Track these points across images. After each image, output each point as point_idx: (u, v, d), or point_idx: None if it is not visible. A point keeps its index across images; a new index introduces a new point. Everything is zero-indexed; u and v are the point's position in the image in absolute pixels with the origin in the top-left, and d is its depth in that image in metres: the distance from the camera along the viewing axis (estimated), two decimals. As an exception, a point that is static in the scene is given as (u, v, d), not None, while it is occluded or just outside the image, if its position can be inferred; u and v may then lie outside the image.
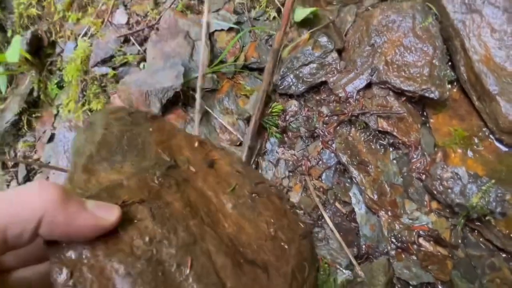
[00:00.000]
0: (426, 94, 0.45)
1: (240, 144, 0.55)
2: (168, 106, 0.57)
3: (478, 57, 0.42)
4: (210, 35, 0.64)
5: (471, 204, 0.35)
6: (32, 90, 0.80)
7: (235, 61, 0.61)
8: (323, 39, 0.55)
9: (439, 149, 0.43)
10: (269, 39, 0.65)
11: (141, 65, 0.62)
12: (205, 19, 0.46)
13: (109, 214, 0.20)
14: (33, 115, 0.79)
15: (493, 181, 0.35)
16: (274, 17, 0.66)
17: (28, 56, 0.72)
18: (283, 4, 0.63)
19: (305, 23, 0.59)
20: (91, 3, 0.74)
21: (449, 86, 0.47)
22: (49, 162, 0.73)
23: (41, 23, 0.77)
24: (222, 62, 0.60)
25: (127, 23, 0.69)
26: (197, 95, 0.48)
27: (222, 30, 0.64)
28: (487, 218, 0.34)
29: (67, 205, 0.19)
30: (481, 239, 0.38)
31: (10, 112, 0.78)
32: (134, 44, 0.65)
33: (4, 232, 0.18)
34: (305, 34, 0.58)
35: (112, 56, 0.65)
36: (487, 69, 0.41)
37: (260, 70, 0.61)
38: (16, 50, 0.59)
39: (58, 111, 0.70)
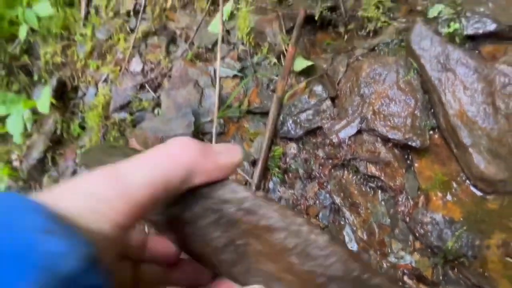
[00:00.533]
0: (409, 143, 0.50)
1: (246, 184, 0.61)
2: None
3: (453, 112, 0.48)
4: (217, 82, 0.71)
5: (447, 247, 0.40)
6: (55, 130, 0.88)
7: (239, 106, 0.68)
8: (318, 88, 0.61)
9: (422, 193, 0.49)
10: (270, 83, 0.71)
11: (156, 111, 0.69)
12: (217, 85, 0.53)
13: (234, 154, 0.22)
14: (57, 152, 0.87)
15: (465, 227, 0.40)
16: (275, 63, 0.72)
17: (53, 101, 0.80)
18: (282, 51, 0.70)
19: (303, 72, 0.66)
20: (109, 52, 0.82)
21: (431, 132, 0.53)
22: (72, 196, 0.80)
23: (65, 69, 0.86)
24: (228, 106, 0.67)
25: (142, 70, 0.77)
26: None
27: (227, 76, 0.71)
28: (461, 259, 0.39)
29: (206, 152, 0.20)
30: (460, 276, 0.43)
31: (37, 150, 0.86)
32: (149, 91, 0.72)
33: (167, 183, 0.19)
34: (302, 83, 0.64)
35: (129, 102, 0.72)
36: (461, 122, 0.47)
37: (262, 114, 0.68)
38: (46, 101, 0.67)
39: (81, 151, 0.77)
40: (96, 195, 0.17)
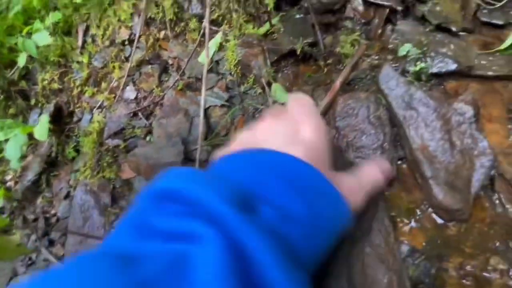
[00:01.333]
0: (378, 174, 0.55)
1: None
2: (170, 175, 0.68)
3: (417, 146, 0.53)
4: (205, 110, 0.76)
5: (409, 274, 0.45)
6: (51, 153, 0.91)
7: (226, 134, 0.72)
8: (299, 119, 0.66)
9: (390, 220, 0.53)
10: (256, 112, 0.77)
11: (148, 138, 0.73)
12: (201, 114, 0.58)
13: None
14: (51, 174, 0.90)
15: (423, 256, 0.45)
16: (260, 93, 0.78)
17: (50, 126, 0.84)
18: (267, 83, 0.76)
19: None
20: (105, 79, 0.87)
21: (400, 162, 0.58)
22: (66, 217, 0.83)
23: (61, 95, 0.90)
24: (216, 134, 0.72)
25: (136, 98, 0.81)
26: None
27: (215, 105, 0.76)
28: (421, 286, 0.44)
29: None
30: (423, 298, 0.48)
31: (32, 172, 0.89)
32: (141, 119, 0.76)
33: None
34: (284, 114, 0.69)
35: (123, 129, 0.76)
36: (423, 156, 0.52)
37: (248, 141, 0.72)
38: (44, 129, 0.71)
39: (75, 175, 0.81)
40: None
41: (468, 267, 0.47)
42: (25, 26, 0.90)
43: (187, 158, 0.69)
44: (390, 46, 0.72)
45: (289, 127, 0.32)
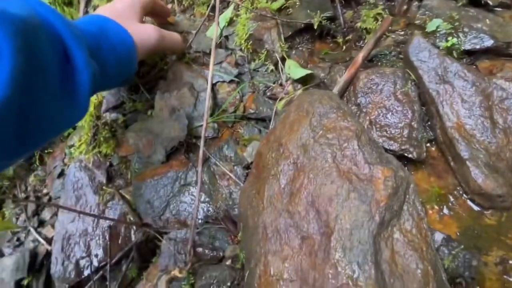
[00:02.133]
0: (406, 154, 0.49)
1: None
2: (171, 152, 0.62)
3: (451, 124, 0.47)
4: (213, 86, 0.70)
5: (444, 266, 0.39)
6: (46, 128, 0.86)
7: (234, 111, 0.66)
8: (315, 96, 0.60)
9: (418, 206, 0.47)
10: (267, 90, 0.71)
11: (149, 112, 0.67)
12: (209, 85, 0.52)
13: None
14: (45, 151, 0.84)
15: (462, 246, 0.39)
16: (272, 70, 0.72)
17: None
18: (281, 59, 0.70)
19: (299, 80, 0.65)
20: (106, 52, 0.81)
21: (428, 145, 0.52)
22: (59, 197, 0.77)
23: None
24: (223, 111, 0.66)
25: (138, 72, 0.75)
26: (201, 146, 0.52)
27: (223, 81, 0.70)
28: (458, 280, 0.38)
29: None
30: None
31: (24, 148, 0.84)
32: (143, 92, 0.71)
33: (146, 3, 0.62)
34: (299, 90, 0.64)
35: (122, 103, 0.71)
36: (458, 135, 0.46)
37: (257, 120, 0.66)
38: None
39: (70, 151, 0.75)
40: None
41: (511, 262, 0.41)
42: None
43: (190, 134, 0.63)
44: (417, 21, 0.66)
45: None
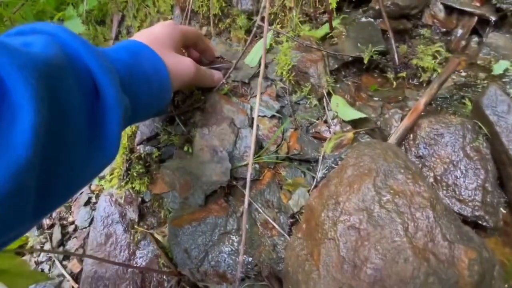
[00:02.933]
0: (479, 222, 0.44)
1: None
2: (210, 196, 0.58)
3: (535, 192, 0.42)
4: (253, 122, 0.66)
5: None
6: (73, 152, 0.83)
7: (276, 151, 0.62)
8: (368, 142, 0.56)
9: (494, 284, 0.42)
10: (310, 126, 0.66)
11: (185, 148, 0.63)
12: (255, 126, 0.48)
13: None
14: (72, 176, 0.81)
15: None
16: (315, 105, 0.67)
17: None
18: (328, 94, 0.65)
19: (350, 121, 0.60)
20: (138, 76, 0.78)
21: (502, 210, 0.47)
22: (85, 227, 0.74)
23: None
24: (265, 150, 0.62)
25: (173, 101, 0.72)
26: (246, 198, 0.48)
27: (264, 116, 0.66)
28: None
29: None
30: None
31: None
32: (178, 124, 0.67)
33: (187, 34, 0.59)
34: (349, 133, 0.59)
35: (157, 134, 0.67)
36: (545, 207, 0.40)
37: (301, 161, 0.62)
38: None
39: (100, 181, 0.72)
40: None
41: None
42: (56, 12, 0.82)
43: (230, 176, 0.58)
44: (480, 61, 0.61)
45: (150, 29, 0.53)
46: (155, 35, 0.51)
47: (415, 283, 0.36)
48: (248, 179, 0.48)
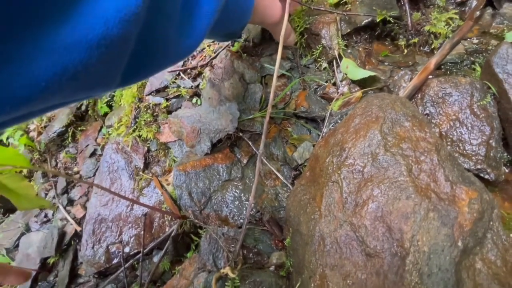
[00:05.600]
0: (481, 175, 0.45)
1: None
2: (216, 144, 0.59)
3: (539, 147, 0.42)
4: (262, 78, 0.66)
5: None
6: (81, 105, 0.84)
7: (284, 107, 0.63)
8: (376, 100, 0.56)
9: (491, 233, 0.43)
10: (318, 88, 0.67)
11: (194, 100, 0.64)
12: (274, 79, 0.48)
13: None
14: (79, 128, 0.82)
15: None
16: (325, 68, 0.68)
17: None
18: (338, 56, 0.65)
19: (358, 81, 0.61)
20: (150, 32, 0.78)
21: (504, 168, 0.47)
22: (89, 177, 0.75)
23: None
24: (272, 106, 0.62)
25: (183, 56, 0.72)
26: (262, 138, 0.49)
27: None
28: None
29: None
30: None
31: (59, 123, 0.82)
32: (188, 79, 0.68)
33: None
34: (357, 92, 0.59)
35: (166, 87, 0.68)
36: (548, 160, 0.41)
37: (308, 119, 0.63)
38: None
39: (108, 131, 0.73)
40: None
41: None
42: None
43: (237, 128, 0.59)
44: (492, 30, 0.61)
45: None
46: None
47: (415, 218, 0.37)
48: (266, 119, 0.49)
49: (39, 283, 0.64)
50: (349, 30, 0.68)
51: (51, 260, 0.65)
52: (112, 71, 0.27)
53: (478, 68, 0.55)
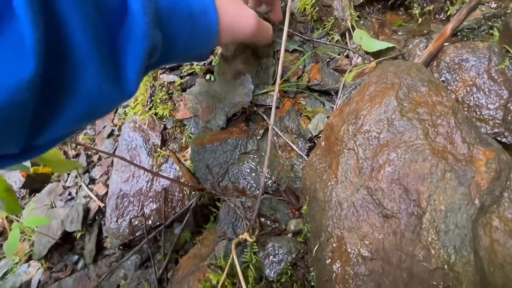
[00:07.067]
0: (498, 138, 0.45)
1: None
2: (231, 119, 0.60)
3: (559, 108, 0.42)
4: (274, 53, 0.66)
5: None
6: (97, 87, 0.85)
7: (297, 81, 0.63)
8: (390, 70, 0.56)
9: (508, 195, 0.43)
10: (331, 61, 0.66)
11: (207, 76, 0.65)
12: (282, 53, 0.49)
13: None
14: (95, 110, 0.84)
15: None
16: (337, 40, 0.67)
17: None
18: (351, 27, 0.65)
19: (372, 52, 0.60)
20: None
21: (522, 132, 0.47)
22: (109, 157, 0.77)
23: None
24: (285, 80, 0.63)
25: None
26: (273, 106, 0.50)
27: (286, 50, 0.66)
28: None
29: None
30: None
31: (76, 106, 0.84)
32: (201, 56, 0.68)
33: None
34: (372, 63, 0.59)
35: (179, 65, 0.68)
36: None
37: (321, 92, 0.63)
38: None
39: (124, 111, 0.75)
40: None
41: None
42: None
43: (251, 102, 0.60)
44: (512, -6, 0.59)
45: None
46: None
47: (432, 179, 0.37)
48: (276, 91, 0.49)
49: (68, 255, 0.67)
50: (361, 0, 0.67)
51: (77, 234, 0.68)
52: (7, 137, 0.24)
53: (496, 33, 0.54)
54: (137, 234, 0.61)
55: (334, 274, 0.39)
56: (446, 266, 0.33)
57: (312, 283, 0.44)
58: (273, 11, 0.57)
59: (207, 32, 0.39)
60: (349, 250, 0.39)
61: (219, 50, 0.68)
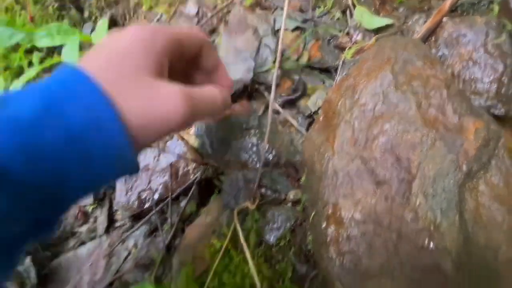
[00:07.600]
0: (491, 110, 0.46)
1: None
2: (234, 96, 0.62)
3: (551, 80, 0.43)
4: (276, 32, 0.67)
5: None
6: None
7: (298, 59, 0.64)
8: (389, 46, 0.57)
9: (498, 165, 0.45)
10: (331, 39, 0.67)
11: (210, 56, 0.66)
12: (282, 29, 0.50)
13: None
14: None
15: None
16: (338, 18, 0.68)
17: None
18: (352, 4, 0.65)
19: (373, 29, 0.61)
20: (164, -8, 0.79)
21: (516, 104, 0.48)
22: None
23: (116, 7, 0.84)
24: (286, 58, 0.64)
25: (197, 13, 0.74)
26: (273, 84, 0.52)
27: (287, 29, 0.67)
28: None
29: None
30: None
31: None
32: (203, 35, 0.69)
33: (181, 41, 0.32)
34: (371, 40, 0.60)
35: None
36: (559, 92, 0.42)
37: (321, 70, 0.64)
38: (103, 34, 0.66)
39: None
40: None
41: None
42: None
43: (253, 80, 0.62)
44: (514, -32, 0.58)
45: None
46: (115, 50, 0.27)
47: (422, 147, 0.39)
48: (275, 73, 0.51)
49: (81, 227, 0.72)
50: (362, -23, 0.67)
51: (89, 208, 0.73)
52: None
53: (496, 7, 0.54)
54: (145, 207, 0.65)
55: (329, 237, 0.42)
56: (432, 227, 0.36)
57: (309, 247, 0.47)
58: (218, 76, 0.42)
59: (113, 150, 0.25)
60: (343, 215, 0.42)
61: (222, 29, 0.69)
